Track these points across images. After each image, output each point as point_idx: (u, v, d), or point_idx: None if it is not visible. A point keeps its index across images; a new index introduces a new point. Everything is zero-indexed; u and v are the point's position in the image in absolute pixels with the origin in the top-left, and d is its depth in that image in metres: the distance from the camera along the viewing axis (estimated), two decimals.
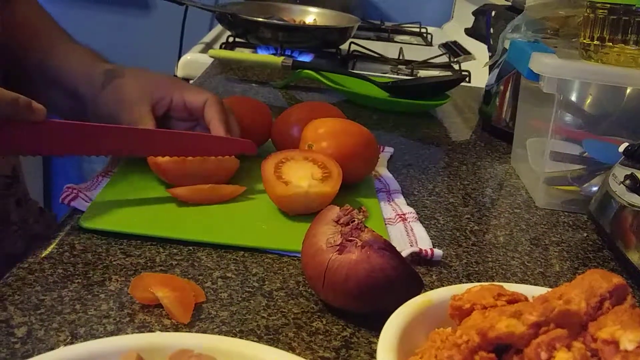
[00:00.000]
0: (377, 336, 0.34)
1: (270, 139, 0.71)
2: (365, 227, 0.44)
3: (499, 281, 0.52)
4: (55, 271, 0.46)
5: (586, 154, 0.71)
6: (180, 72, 1.24)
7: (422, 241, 0.56)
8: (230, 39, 1.34)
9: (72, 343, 0.39)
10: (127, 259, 0.49)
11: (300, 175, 0.58)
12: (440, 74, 1.25)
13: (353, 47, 1.36)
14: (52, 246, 0.50)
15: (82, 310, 0.42)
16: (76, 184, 0.58)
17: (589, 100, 0.71)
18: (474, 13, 1.12)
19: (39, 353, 0.36)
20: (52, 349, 0.38)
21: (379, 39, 1.64)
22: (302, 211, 0.57)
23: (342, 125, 0.66)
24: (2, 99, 0.47)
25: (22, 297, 0.43)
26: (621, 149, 0.60)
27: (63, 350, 0.33)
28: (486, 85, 0.96)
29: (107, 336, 0.40)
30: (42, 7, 0.75)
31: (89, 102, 0.64)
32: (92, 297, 0.44)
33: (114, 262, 0.48)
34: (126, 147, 0.56)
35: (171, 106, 0.63)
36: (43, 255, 0.48)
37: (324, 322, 0.44)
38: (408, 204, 0.64)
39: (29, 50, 0.69)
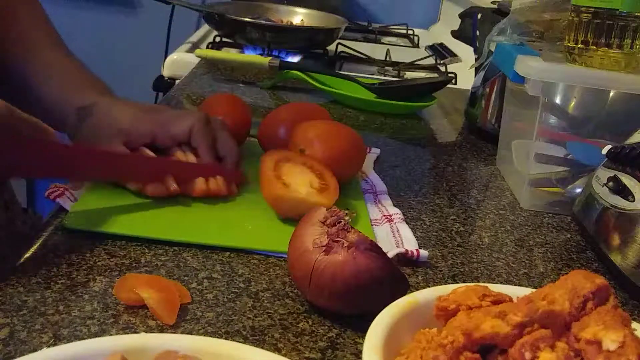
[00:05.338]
0: (363, 337, 0.35)
1: (250, 137, 0.71)
2: (352, 228, 0.44)
3: (484, 282, 0.52)
4: (39, 272, 0.46)
5: (570, 156, 0.72)
6: (166, 72, 1.24)
7: (408, 242, 0.56)
8: (217, 39, 1.33)
9: (55, 344, 0.39)
10: (111, 260, 0.49)
11: (299, 180, 0.57)
12: (427, 76, 1.25)
13: (340, 48, 1.36)
14: (35, 247, 0.49)
15: (66, 312, 0.42)
16: (62, 184, 0.57)
17: (573, 103, 0.72)
18: (460, 15, 1.13)
19: (22, 355, 0.36)
20: (34, 350, 0.38)
21: (366, 40, 1.64)
22: (293, 216, 0.57)
23: (331, 128, 0.66)
24: (26, 120, 0.50)
25: (4, 298, 0.43)
26: (604, 151, 0.60)
27: (46, 352, 0.32)
28: (472, 88, 0.96)
29: (91, 337, 0.40)
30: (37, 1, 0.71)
31: (66, 134, 0.64)
32: (76, 298, 0.44)
33: (98, 263, 0.48)
34: (114, 172, 0.58)
35: (154, 141, 0.61)
36: (26, 255, 0.48)
37: (310, 323, 0.44)
38: (394, 205, 0.64)
39: (14, 53, 0.67)
